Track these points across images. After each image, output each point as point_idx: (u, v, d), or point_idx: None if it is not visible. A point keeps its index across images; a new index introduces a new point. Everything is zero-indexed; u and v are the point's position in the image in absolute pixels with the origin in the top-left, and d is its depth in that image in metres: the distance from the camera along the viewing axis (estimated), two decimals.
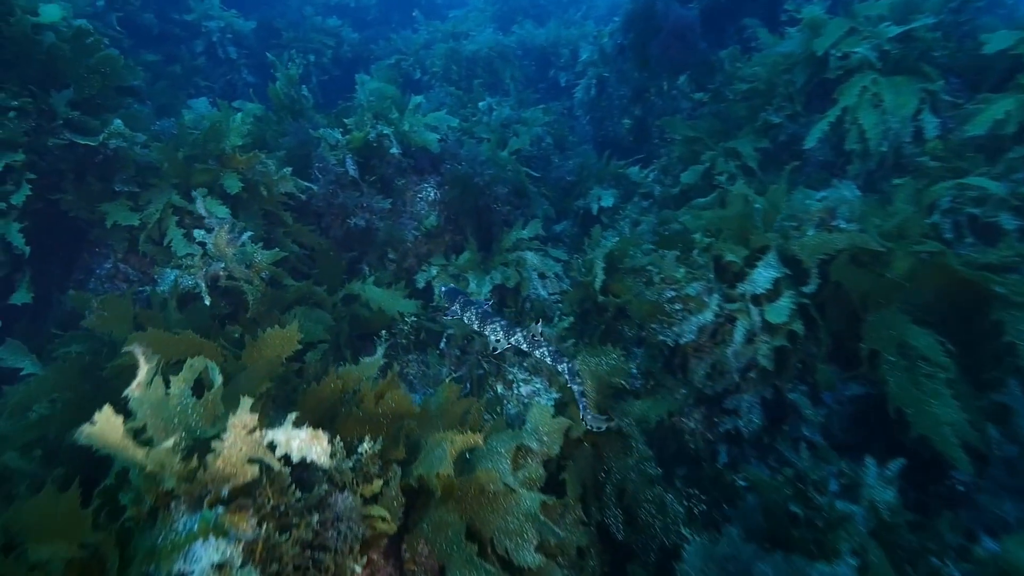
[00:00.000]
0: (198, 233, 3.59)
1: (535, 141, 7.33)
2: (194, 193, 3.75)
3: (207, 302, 3.43)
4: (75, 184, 3.98)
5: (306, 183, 4.71)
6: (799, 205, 3.87)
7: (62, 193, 3.95)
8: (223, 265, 3.51)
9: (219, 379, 2.18)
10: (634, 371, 3.73)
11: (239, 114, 4.39)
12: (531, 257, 5.09)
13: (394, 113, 5.68)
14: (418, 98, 5.98)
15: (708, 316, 3.41)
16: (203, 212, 3.53)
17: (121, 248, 4.06)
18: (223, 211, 3.94)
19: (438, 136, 5.46)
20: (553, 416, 3.19)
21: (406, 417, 2.77)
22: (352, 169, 5.25)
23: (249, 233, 3.54)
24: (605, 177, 7.35)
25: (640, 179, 7.16)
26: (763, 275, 3.25)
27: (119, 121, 3.86)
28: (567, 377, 3.18)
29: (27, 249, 3.63)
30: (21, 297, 3.78)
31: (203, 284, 3.42)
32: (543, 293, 5.14)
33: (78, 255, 4.21)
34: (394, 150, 5.40)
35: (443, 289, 4.60)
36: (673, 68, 7.47)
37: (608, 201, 6.81)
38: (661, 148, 7.95)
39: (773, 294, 3.26)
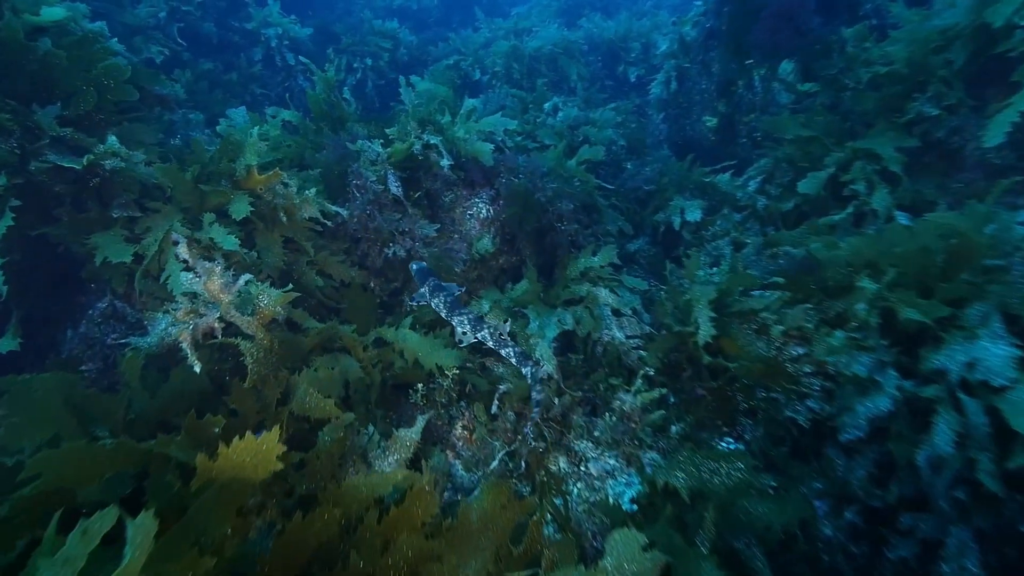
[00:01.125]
0: (185, 276, 2.90)
1: (606, 146, 6.35)
2: (177, 236, 3.06)
3: (196, 368, 2.71)
4: (71, 210, 3.42)
5: (335, 207, 3.96)
6: (1002, 234, 2.67)
7: (57, 220, 3.41)
8: (217, 314, 2.80)
9: (139, 549, 1.37)
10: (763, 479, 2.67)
11: (256, 128, 3.70)
12: (604, 293, 4.10)
13: (445, 117, 4.88)
14: (472, 102, 5.15)
15: (883, 403, 2.31)
16: (185, 256, 2.82)
17: (120, 283, 3.46)
18: (231, 242, 3.26)
19: (493, 145, 4.61)
20: (644, 547, 2.23)
21: (430, 562, 1.90)
22: (394, 186, 4.47)
23: (247, 277, 2.80)
24: (687, 186, 6.24)
25: (732, 189, 5.99)
26: (994, 353, 2.11)
27: (114, 138, 3.25)
28: None
29: (4, 289, 3.07)
30: (6, 345, 3.26)
31: (187, 347, 2.69)
32: (619, 335, 4.13)
33: (77, 292, 3.68)
34: (444, 162, 4.58)
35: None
36: (775, 54, 6.23)
37: (694, 215, 5.72)
38: (754, 150, 6.77)
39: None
